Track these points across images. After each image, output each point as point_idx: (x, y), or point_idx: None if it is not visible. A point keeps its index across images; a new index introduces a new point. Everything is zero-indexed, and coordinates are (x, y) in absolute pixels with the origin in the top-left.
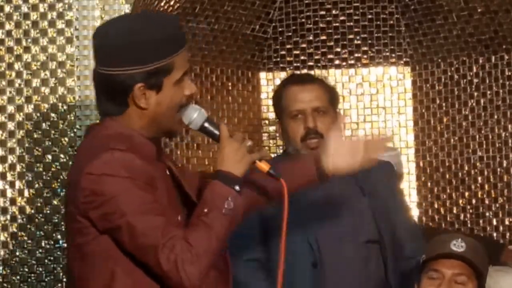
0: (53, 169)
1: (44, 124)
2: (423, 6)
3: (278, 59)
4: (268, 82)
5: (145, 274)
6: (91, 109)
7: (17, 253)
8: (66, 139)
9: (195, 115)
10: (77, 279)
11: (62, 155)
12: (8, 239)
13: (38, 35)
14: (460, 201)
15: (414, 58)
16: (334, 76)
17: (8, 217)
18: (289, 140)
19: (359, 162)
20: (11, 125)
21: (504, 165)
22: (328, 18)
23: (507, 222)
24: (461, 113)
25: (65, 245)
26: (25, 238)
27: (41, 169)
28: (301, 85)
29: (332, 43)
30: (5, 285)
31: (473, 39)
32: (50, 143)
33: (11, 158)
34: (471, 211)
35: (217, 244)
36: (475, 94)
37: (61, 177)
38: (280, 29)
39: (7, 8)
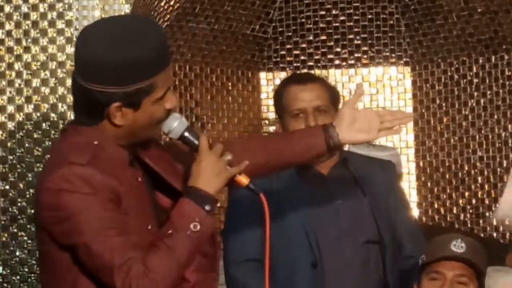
0: None
1: (44, 124)
2: (423, 6)
3: (278, 59)
4: (268, 82)
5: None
6: None
7: (17, 253)
8: None
9: (175, 123)
10: (42, 286)
11: None
12: (8, 239)
13: (38, 35)
14: (460, 201)
15: (414, 58)
16: (334, 76)
17: (8, 217)
18: None
19: (375, 132)
20: (11, 125)
21: (504, 165)
22: (328, 18)
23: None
24: (461, 113)
25: None
26: (25, 238)
27: (41, 169)
28: (302, 84)
29: (332, 43)
30: (5, 285)
31: (473, 39)
32: (50, 143)
33: (11, 158)
34: (471, 211)
35: (177, 268)
36: (475, 94)
37: None
38: (280, 29)
39: (7, 8)
